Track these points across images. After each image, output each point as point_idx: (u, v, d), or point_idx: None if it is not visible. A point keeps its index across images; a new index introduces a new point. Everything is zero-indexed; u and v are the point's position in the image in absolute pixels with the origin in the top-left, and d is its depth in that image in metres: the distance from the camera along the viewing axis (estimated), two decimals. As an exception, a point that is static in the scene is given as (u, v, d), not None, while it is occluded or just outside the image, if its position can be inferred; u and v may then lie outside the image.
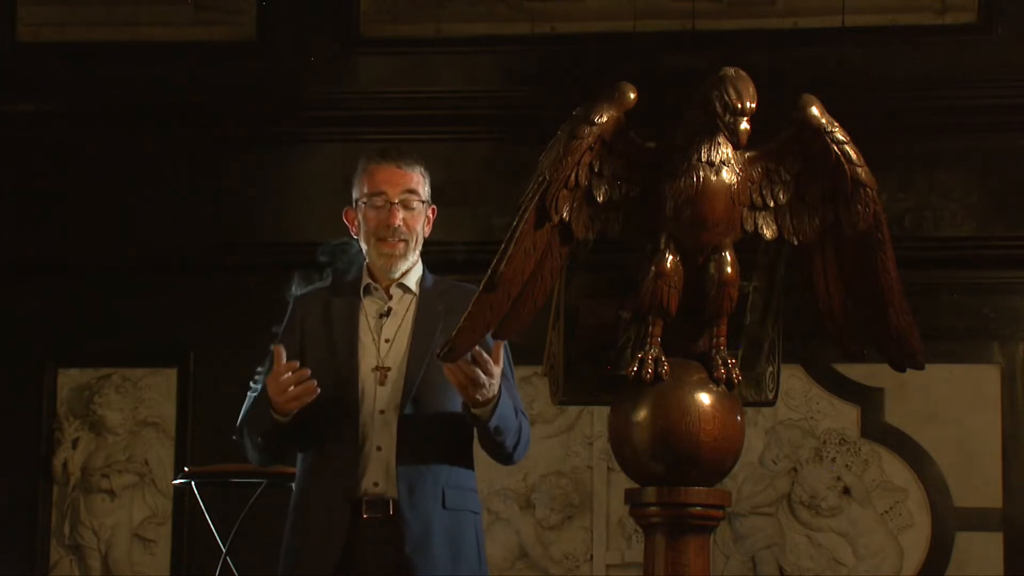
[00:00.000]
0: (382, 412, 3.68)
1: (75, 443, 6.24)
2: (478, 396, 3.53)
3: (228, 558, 5.12)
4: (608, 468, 5.99)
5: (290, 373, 3.59)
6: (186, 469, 5.27)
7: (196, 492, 5.15)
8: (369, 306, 3.78)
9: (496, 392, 3.57)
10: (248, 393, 4.00)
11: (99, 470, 6.20)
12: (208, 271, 6.18)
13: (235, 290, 6.07)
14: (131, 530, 6.19)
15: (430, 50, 6.24)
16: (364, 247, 3.81)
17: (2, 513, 6.17)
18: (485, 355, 3.49)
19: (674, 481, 2.82)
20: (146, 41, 6.32)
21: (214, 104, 6.19)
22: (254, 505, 5.00)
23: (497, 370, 3.55)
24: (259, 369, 4.49)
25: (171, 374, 6.25)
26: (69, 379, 6.29)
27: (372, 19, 6.29)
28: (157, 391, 6.26)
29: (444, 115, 6.09)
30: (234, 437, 3.95)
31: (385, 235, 3.73)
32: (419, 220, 3.77)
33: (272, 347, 3.64)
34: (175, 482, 5.71)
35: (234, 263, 6.14)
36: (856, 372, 5.98)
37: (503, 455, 3.75)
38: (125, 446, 6.23)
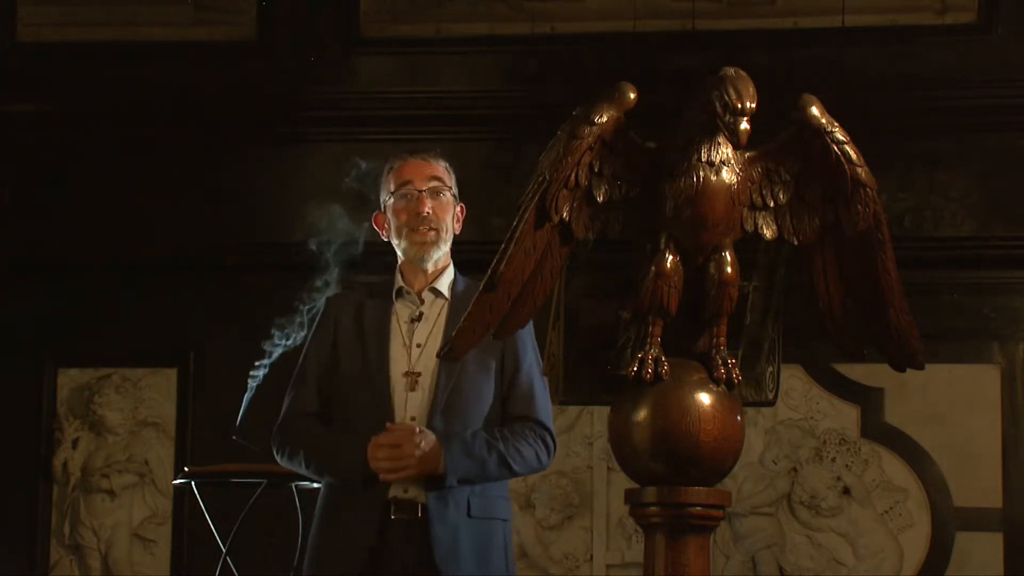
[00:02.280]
0: (413, 418, 3.68)
1: (75, 443, 6.24)
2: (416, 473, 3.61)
3: (228, 558, 5.12)
4: (608, 468, 5.99)
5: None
6: (186, 469, 5.27)
7: (196, 492, 5.15)
8: (401, 310, 3.78)
9: (437, 463, 3.61)
10: (246, 394, 4.01)
11: (99, 470, 6.20)
12: (208, 271, 6.18)
13: (235, 290, 6.08)
14: (131, 530, 6.18)
15: (430, 50, 6.24)
16: (396, 243, 3.81)
17: (2, 513, 6.17)
18: (397, 433, 3.58)
19: (674, 481, 2.82)
20: (146, 41, 6.32)
21: (214, 104, 6.19)
22: (254, 505, 5.00)
23: (411, 447, 3.58)
24: (260, 363, 4.49)
25: (171, 374, 6.25)
26: (69, 379, 6.29)
27: (372, 19, 6.29)
28: (157, 391, 6.26)
29: (444, 115, 6.08)
30: (234, 437, 3.95)
31: (416, 224, 3.74)
32: (448, 211, 3.78)
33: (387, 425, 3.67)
34: (175, 482, 5.70)
35: (234, 263, 6.14)
36: (856, 372, 5.98)
37: (509, 478, 3.78)
38: (125, 446, 6.23)
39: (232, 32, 6.34)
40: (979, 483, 5.93)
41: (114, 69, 6.25)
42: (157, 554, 6.17)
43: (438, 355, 2.90)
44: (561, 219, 2.78)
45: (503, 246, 2.76)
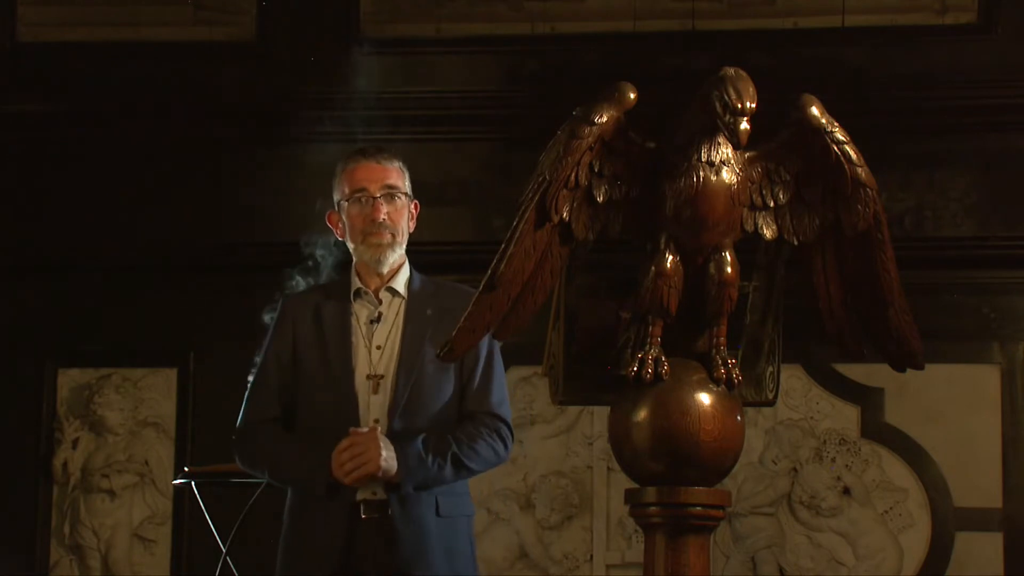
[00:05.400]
0: (376, 420, 3.70)
1: (75, 443, 6.24)
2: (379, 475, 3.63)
3: (228, 558, 5.12)
4: (608, 468, 5.99)
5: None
6: (186, 469, 5.27)
7: (196, 492, 5.15)
8: (359, 311, 3.80)
9: (394, 465, 3.63)
10: (246, 394, 4.01)
11: (99, 470, 6.20)
12: (208, 271, 6.18)
13: (235, 290, 6.07)
14: (131, 530, 6.18)
15: (430, 50, 6.23)
16: (351, 246, 3.83)
17: (2, 513, 6.17)
18: (359, 438, 3.60)
19: (674, 481, 2.82)
20: (146, 41, 6.32)
21: (214, 104, 6.19)
22: (254, 505, 5.00)
23: (375, 450, 3.60)
24: (256, 359, 4.50)
25: (171, 374, 6.25)
26: (69, 379, 6.28)
27: (372, 19, 6.29)
28: (157, 391, 6.26)
29: (444, 115, 6.08)
30: (233, 437, 3.96)
31: (371, 229, 3.76)
32: (402, 214, 3.81)
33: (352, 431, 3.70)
34: (175, 482, 5.71)
35: (234, 263, 6.14)
36: (856, 372, 5.98)
37: (469, 477, 3.80)
38: (125, 446, 6.23)
39: (232, 32, 6.33)
40: (979, 483, 5.93)
41: (114, 69, 6.25)
42: (157, 554, 6.17)
43: (437, 355, 2.91)
44: (561, 219, 2.79)
45: (503, 246, 2.76)
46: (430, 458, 3.66)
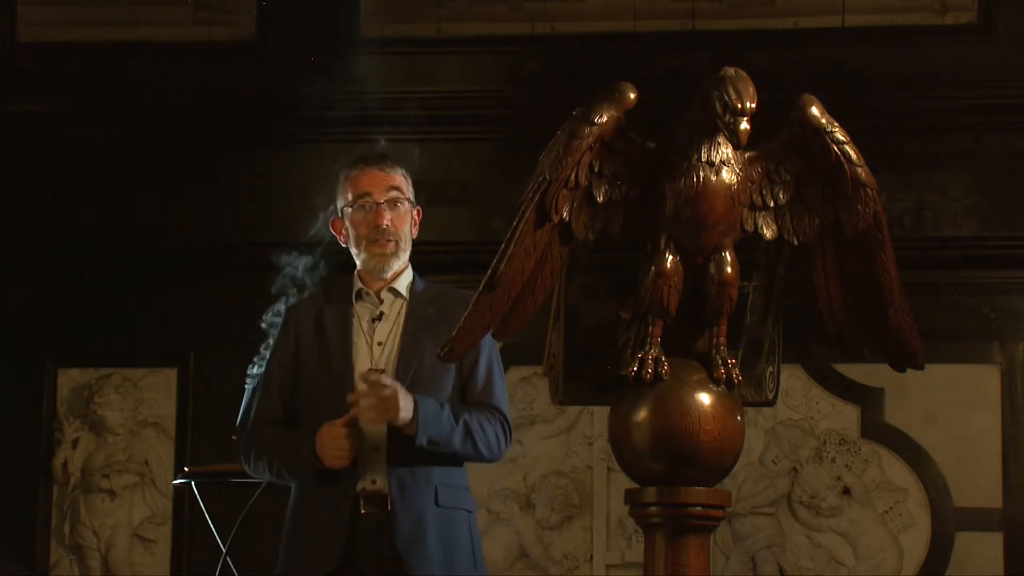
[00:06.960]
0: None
1: (75, 443, 6.24)
2: (392, 419, 3.62)
3: (228, 558, 5.12)
4: (608, 468, 5.99)
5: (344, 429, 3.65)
6: (186, 469, 5.27)
7: (196, 492, 5.15)
8: (361, 311, 3.82)
9: (410, 414, 3.62)
10: (245, 388, 4.02)
11: (99, 470, 6.20)
12: (208, 271, 6.18)
13: (235, 290, 6.07)
14: (131, 530, 6.18)
15: (430, 50, 6.24)
16: (354, 252, 3.85)
17: (2, 513, 6.17)
18: (379, 379, 3.59)
19: (674, 481, 2.82)
20: (146, 41, 6.32)
21: (214, 104, 6.19)
22: (254, 505, 5.01)
23: (389, 392, 3.61)
24: (253, 364, 4.51)
25: (171, 374, 6.25)
26: (69, 379, 6.28)
27: (372, 19, 6.29)
28: (157, 391, 6.26)
29: (444, 115, 6.08)
30: (234, 437, 3.97)
31: (376, 236, 3.79)
32: (406, 220, 3.83)
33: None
34: (175, 482, 5.71)
35: (234, 263, 6.14)
36: (856, 372, 5.98)
37: (470, 458, 3.78)
38: (125, 446, 6.23)
39: (232, 32, 6.33)
40: (979, 483, 5.93)
41: (114, 69, 6.25)
42: (157, 554, 6.17)
43: (438, 355, 2.91)
44: (561, 219, 2.79)
45: (503, 246, 2.77)
46: (444, 415, 3.68)
